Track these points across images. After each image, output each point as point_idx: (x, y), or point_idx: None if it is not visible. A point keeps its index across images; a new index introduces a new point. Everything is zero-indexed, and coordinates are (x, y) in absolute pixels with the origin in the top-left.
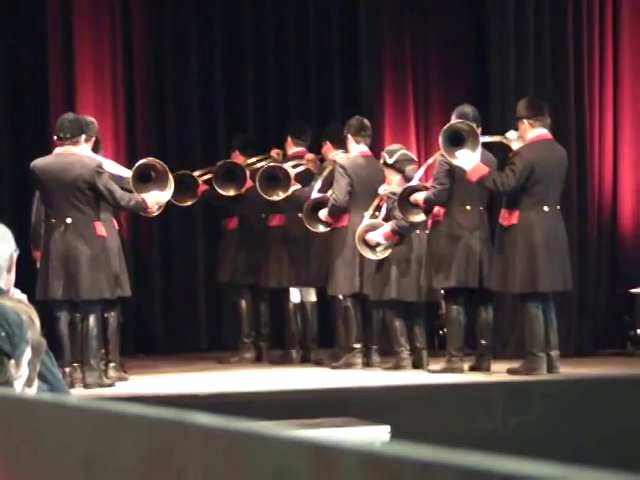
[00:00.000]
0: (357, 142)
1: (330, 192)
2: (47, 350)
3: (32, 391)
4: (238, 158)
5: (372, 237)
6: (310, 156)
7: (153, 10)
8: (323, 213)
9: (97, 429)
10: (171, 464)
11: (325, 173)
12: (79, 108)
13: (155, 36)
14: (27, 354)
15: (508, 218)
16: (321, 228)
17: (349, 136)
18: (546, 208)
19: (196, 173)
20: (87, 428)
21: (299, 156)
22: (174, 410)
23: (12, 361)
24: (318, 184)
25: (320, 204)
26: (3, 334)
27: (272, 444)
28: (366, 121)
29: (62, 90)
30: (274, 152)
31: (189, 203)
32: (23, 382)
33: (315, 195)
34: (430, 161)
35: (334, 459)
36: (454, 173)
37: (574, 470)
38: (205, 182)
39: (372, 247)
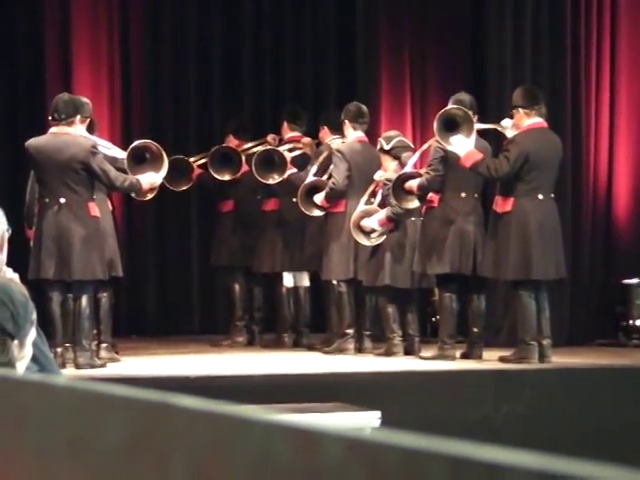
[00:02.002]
0: (354, 128)
1: (326, 177)
2: (38, 330)
3: (19, 370)
4: (232, 142)
5: (367, 223)
6: (306, 140)
7: None
8: (319, 197)
9: (82, 410)
10: (156, 446)
11: (321, 158)
12: (75, 89)
13: (152, 18)
14: (32, 335)
15: (502, 205)
16: (316, 212)
17: (346, 122)
18: (540, 196)
19: (191, 159)
20: (72, 409)
21: (295, 140)
22: (159, 392)
23: (15, 341)
24: (314, 168)
25: (315, 188)
26: (7, 314)
27: (256, 428)
28: (364, 107)
29: (58, 70)
30: (270, 137)
31: (184, 188)
32: (26, 363)
33: (310, 179)
34: (425, 147)
35: (318, 444)
36: (449, 160)
37: (561, 460)
38: (200, 166)
39: (367, 233)
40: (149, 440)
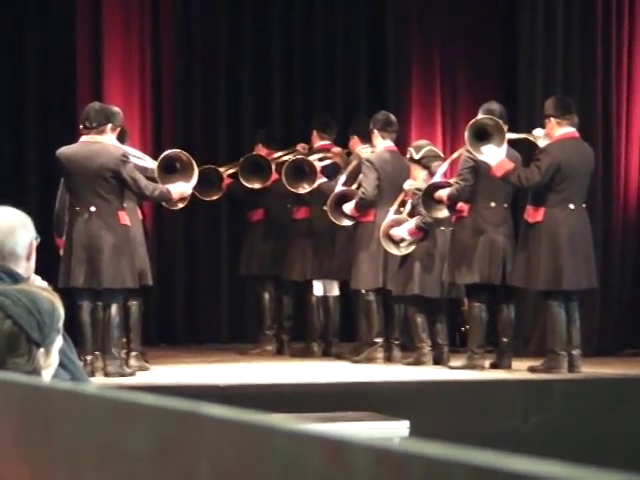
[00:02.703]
0: (383, 137)
1: (355, 186)
2: (66, 337)
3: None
4: (261, 151)
5: (396, 232)
6: (337, 149)
7: (182, 1)
8: (348, 207)
9: (111, 418)
10: (184, 455)
11: (350, 167)
12: (106, 97)
13: (183, 28)
14: (58, 343)
15: (533, 215)
16: (345, 222)
17: (375, 131)
18: (572, 206)
19: (222, 169)
20: (101, 417)
21: (325, 149)
22: (188, 401)
23: (41, 350)
24: (343, 178)
25: (344, 197)
26: (34, 323)
27: (284, 437)
28: (393, 116)
29: (90, 79)
30: (300, 146)
31: (214, 198)
32: (52, 371)
33: (339, 188)
34: (454, 156)
35: (346, 454)
36: (479, 169)
37: (589, 471)
38: (230, 176)
39: (396, 242)
40: (177, 449)
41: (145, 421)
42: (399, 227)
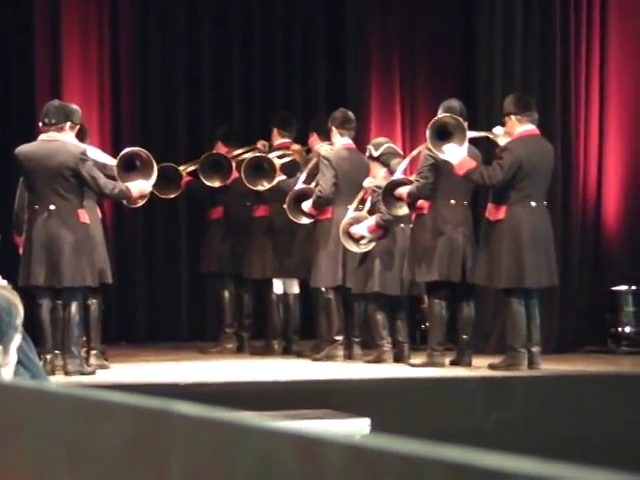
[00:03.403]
0: (341, 135)
1: (314, 184)
2: (25, 336)
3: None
4: (221, 149)
5: (356, 230)
6: (296, 147)
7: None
8: (306, 205)
9: (81, 417)
10: (154, 453)
11: (310, 165)
12: (65, 96)
13: (142, 25)
14: (16, 341)
15: (495, 213)
16: (304, 220)
17: (333, 128)
18: (533, 203)
19: (181, 167)
20: (71, 416)
21: (285, 147)
22: (158, 399)
23: (0, 347)
24: (303, 176)
25: (303, 195)
26: None
27: (257, 435)
28: (350, 114)
29: (48, 77)
30: (260, 143)
31: (172, 196)
32: (12, 369)
33: (298, 186)
34: (414, 153)
35: (318, 450)
36: (439, 167)
37: (553, 466)
38: (189, 173)
39: (356, 240)
40: (148, 446)
41: (115, 420)
42: (359, 225)
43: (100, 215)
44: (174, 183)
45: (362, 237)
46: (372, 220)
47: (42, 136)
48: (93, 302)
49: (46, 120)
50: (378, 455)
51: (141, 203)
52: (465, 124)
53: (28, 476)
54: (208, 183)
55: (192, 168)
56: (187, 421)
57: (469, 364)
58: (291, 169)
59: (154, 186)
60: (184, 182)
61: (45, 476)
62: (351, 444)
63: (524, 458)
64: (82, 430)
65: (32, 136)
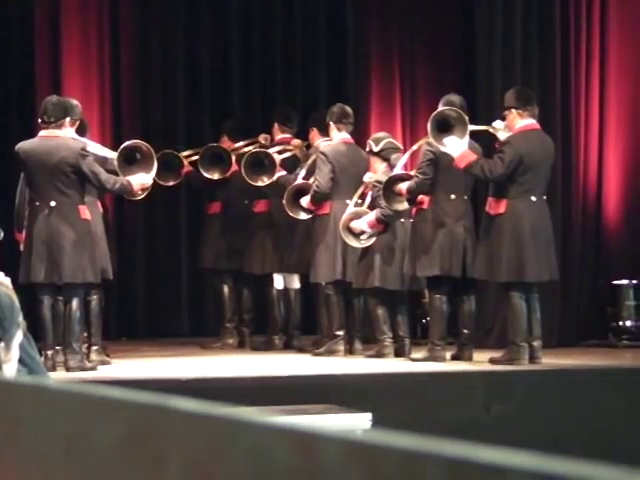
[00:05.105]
0: (339, 129)
1: (312, 179)
2: (26, 333)
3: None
4: (226, 143)
5: (356, 225)
6: (296, 142)
7: None
8: (305, 200)
9: (79, 412)
10: (152, 448)
11: (309, 161)
12: (65, 91)
13: (142, 20)
14: (18, 337)
15: (495, 207)
16: (302, 215)
17: (331, 123)
18: (533, 198)
19: (184, 153)
20: (69, 411)
21: (285, 142)
22: (156, 395)
23: (2, 344)
24: (302, 171)
25: (302, 191)
26: None
27: (254, 430)
28: (348, 108)
29: (48, 73)
30: (262, 137)
31: (172, 183)
32: (14, 365)
33: (297, 182)
34: (414, 148)
35: (316, 446)
36: (438, 162)
37: (553, 461)
38: (191, 164)
39: (356, 235)
40: (146, 442)
41: (113, 415)
42: (359, 220)
43: (101, 210)
44: (175, 171)
45: (362, 232)
46: (372, 215)
47: (42, 132)
48: (94, 298)
49: (45, 117)
50: (376, 450)
51: (143, 195)
52: (466, 117)
53: (27, 471)
54: (207, 175)
55: (193, 158)
56: (185, 417)
57: (470, 358)
58: (291, 164)
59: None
60: (185, 171)
61: (43, 471)
62: (349, 439)
63: (524, 452)
64: (80, 426)
65: (32, 133)
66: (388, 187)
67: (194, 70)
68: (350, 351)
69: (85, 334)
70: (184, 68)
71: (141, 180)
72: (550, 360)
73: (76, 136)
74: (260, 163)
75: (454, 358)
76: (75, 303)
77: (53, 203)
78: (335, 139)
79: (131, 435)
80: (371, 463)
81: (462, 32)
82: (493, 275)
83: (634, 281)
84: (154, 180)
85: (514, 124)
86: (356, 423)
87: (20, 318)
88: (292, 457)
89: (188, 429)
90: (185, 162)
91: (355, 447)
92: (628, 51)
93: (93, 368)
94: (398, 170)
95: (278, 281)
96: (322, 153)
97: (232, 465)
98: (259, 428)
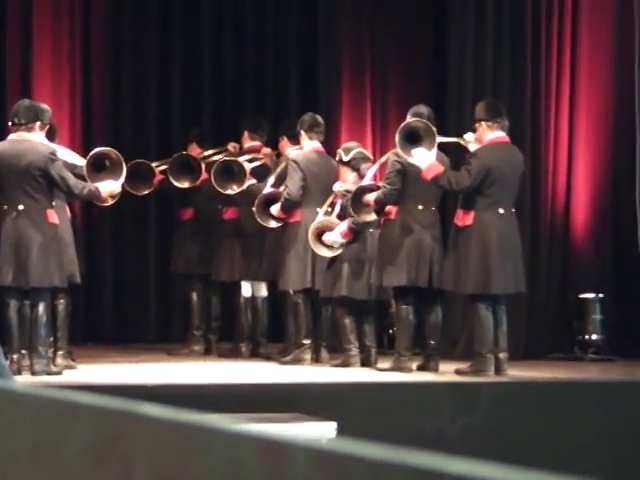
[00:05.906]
0: (310, 138)
1: (283, 187)
2: None
3: None
4: (195, 150)
5: (330, 237)
6: (266, 150)
7: (113, 0)
8: (275, 208)
9: (47, 417)
10: (120, 454)
11: (279, 169)
12: (36, 96)
13: (113, 26)
14: None
15: (463, 218)
16: (272, 223)
17: (302, 132)
18: (501, 210)
19: (154, 164)
20: (37, 416)
21: (255, 150)
22: (125, 400)
23: None
24: (271, 179)
25: (272, 199)
26: None
27: (223, 438)
28: (319, 117)
29: (19, 76)
30: (231, 145)
31: (145, 192)
32: None
33: (267, 190)
34: (383, 159)
35: (285, 454)
36: (406, 173)
37: (519, 473)
38: (162, 172)
39: (327, 245)
40: (114, 448)
41: (82, 420)
42: (332, 232)
43: (70, 215)
44: (147, 180)
45: (335, 243)
46: (344, 225)
47: (12, 136)
48: (61, 302)
49: (16, 120)
50: (344, 459)
51: (111, 202)
52: (434, 129)
53: None
54: (177, 184)
55: (163, 167)
56: (153, 423)
57: (436, 369)
58: (261, 173)
59: (126, 182)
60: (157, 180)
61: (10, 477)
62: (317, 448)
63: (490, 464)
64: (48, 431)
65: (2, 136)
66: (356, 198)
67: (165, 77)
68: (317, 360)
69: (51, 338)
70: (155, 75)
71: (109, 187)
72: (516, 372)
73: (46, 140)
74: (230, 171)
75: (420, 369)
76: (42, 307)
77: (21, 207)
78: (306, 148)
79: (99, 440)
80: (340, 472)
81: (433, 43)
82: (460, 286)
83: (601, 295)
84: (125, 192)
85: (483, 136)
86: (321, 432)
87: None
88: (261, 465)
89: (157, 436)
90: (156, 171)
91: (324, 456)
92: (599, 62)
93: (59, 372)
94: (367, 181)
95: (246, 289)
96: (293, 161)
97: (200, 472)
98: (228, 436)
